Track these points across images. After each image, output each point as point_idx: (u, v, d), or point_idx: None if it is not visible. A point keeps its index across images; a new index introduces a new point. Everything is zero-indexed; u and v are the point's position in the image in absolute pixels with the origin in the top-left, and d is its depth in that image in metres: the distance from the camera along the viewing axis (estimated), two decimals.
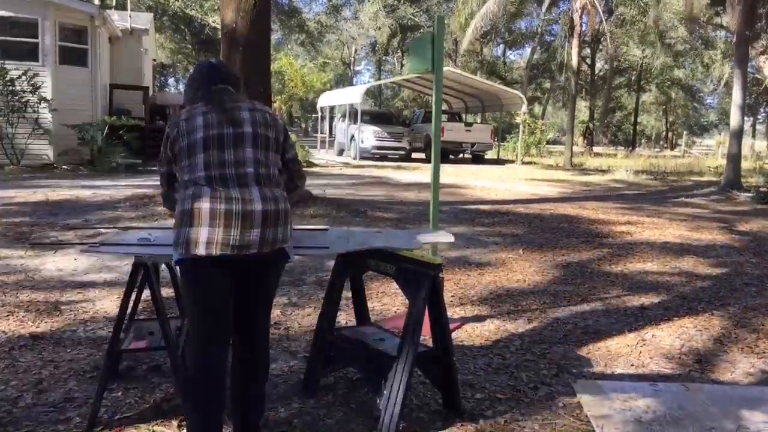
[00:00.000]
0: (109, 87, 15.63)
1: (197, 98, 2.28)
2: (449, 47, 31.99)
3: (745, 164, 17.34)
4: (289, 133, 2.54)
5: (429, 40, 3.76)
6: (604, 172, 18.86)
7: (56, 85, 12.75)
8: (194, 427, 2.19)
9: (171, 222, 2.26)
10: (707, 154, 34.45)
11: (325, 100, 25.38)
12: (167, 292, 3.40)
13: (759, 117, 51.49)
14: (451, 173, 15.95)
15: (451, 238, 3.07)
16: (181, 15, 32.37)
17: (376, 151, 20.88)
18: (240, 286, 2.24)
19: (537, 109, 40.80)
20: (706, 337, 3.98)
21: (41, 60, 12.66)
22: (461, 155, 23.26)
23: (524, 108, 22.98)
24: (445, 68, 16.42)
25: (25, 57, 12.62)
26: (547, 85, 43.74)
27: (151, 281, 2.63)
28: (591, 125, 37.45)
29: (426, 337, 2.81)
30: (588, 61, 35.91)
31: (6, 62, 12.16)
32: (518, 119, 23.06)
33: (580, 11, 22.11)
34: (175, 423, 2.59)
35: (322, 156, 21.97)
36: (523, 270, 5.57)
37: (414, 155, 22.23)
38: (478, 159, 22.43)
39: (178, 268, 2.23)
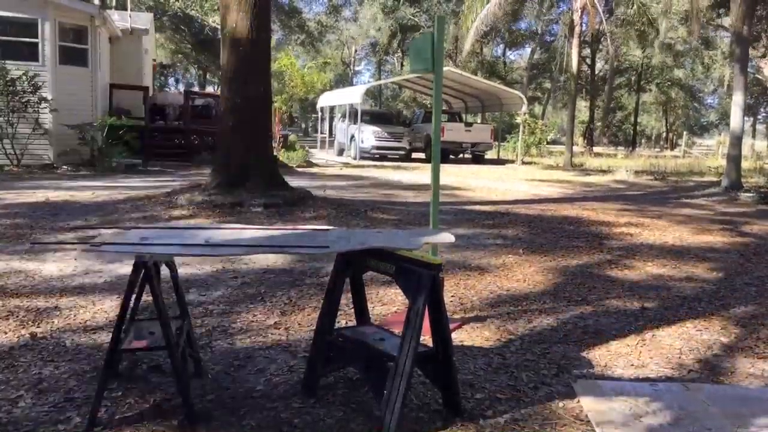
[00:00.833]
0: (109, 87, 15.64)
1: None
2: (449, 47, 31.98)
3: (745, 164, 17.34)
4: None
5: (429, 41, 3.75)
6: (605, 172, 18.86)
7: (56, 85, 12.76)
8: None
9: (172, 222, 2.25)
10: (707, 154, 34.44)
11: (325, 100, 25.39)
12: (167, 292, 3.40)
13: (759, 117, 51.51)
14: (451, 173, 15.96)
15: (452, 239, 3.07)
16: (181, 15, 32.38)
17: (375, 151, 20.90)
18: None
19: (537, 109, 40.82)
20: (706, 337, 3.98)
21: (41, 60, 12.67)
22: (461, 155, 23.28)
23: (524, 108, 22.99)
24: (445, 68, 16.43)
25: (25, 57, 12.63)
26: (547, 85, 43.77)
27: (152, 281, 2.63)
28: (591, 125, 37.45)
29: (426, 337, 2.81)
30: (588, 61, 35.92)
31: (6, 62, 12.18)
32: (518, 119, 23.08)
33: (580, 11, 22.12)
34: (175, 423, 2.59)
35: (322, 156, 21.99)
36: (524, 270, 5.57)
37: (414, 155, 22.24)
38: (478, 159, 22.45)
39: None
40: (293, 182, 9.59)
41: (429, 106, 27.74)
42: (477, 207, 9.60)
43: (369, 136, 20.70)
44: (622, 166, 19.82)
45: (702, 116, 54.21)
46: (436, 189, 3.89)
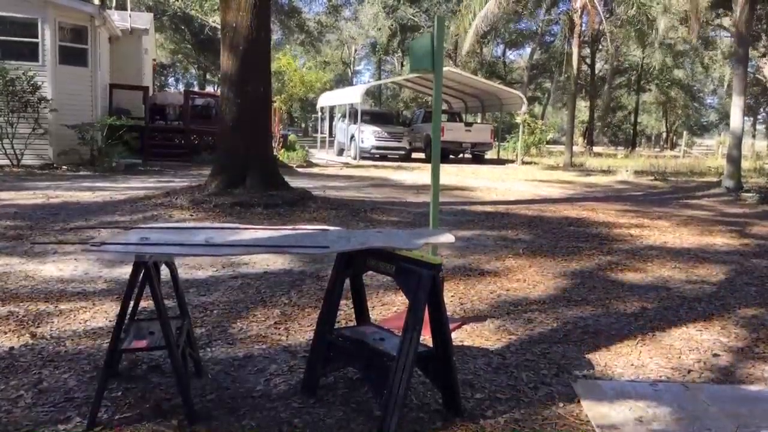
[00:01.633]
0: (109, 87, 15.64)
1: None
2: (449, 47, 31.99)
3: (745, 164, 17.36)
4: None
5: (429, 40, 3.75)
6: (606, 172, 18.85)
7: (56, 85, 12.77)
8: None
9: (173, 222, 2.24)
10: (707, 154, 34.45)
11: (325, 100, 25.40)
12: (168, 291, 3.40)
13: (759, 117, 51.52)
14: (451, 173, 15.96)
15: (452, 239, 3.07)
16: (181, 15, 32.37)
17: (375, 151, 20.90)
18: None
19: (537, 109, 40.82)
20: (706, 337, 3.98)
21: (41, 60, 12.67)
22: (461, 155, 23.28)
23: (524, 108, 22.99)
24: (445, 68, 16.42)
25: (25, 57, 12.63)
26: (547, 85, 43.77)
27: (152, 280, 2.63)
28: (591, 125, 37.45)
29: (426, 337, 2.81)
30: (588, 61, 35.91)
31: (6, 62, 12.18)
32: (518, 119, 23.08)
33: (580, 11, 22.12)
34: (175, 423, 2.59)
35: (322, 156, 21.99)
36: (524, 270, 5.57)
37: (414, 155, 22.24)
38: (478, 159, 22.45)
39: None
40: (293, 182, 9.60)
41: (429, 105, 27.74)
42: (477, 207, 9.60)
43: (369, 136, 20.71)
44: (623, 166, 19.82)
45: (702, 116, 54.21)
46: (436, 189, 3.89)
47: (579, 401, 2.94)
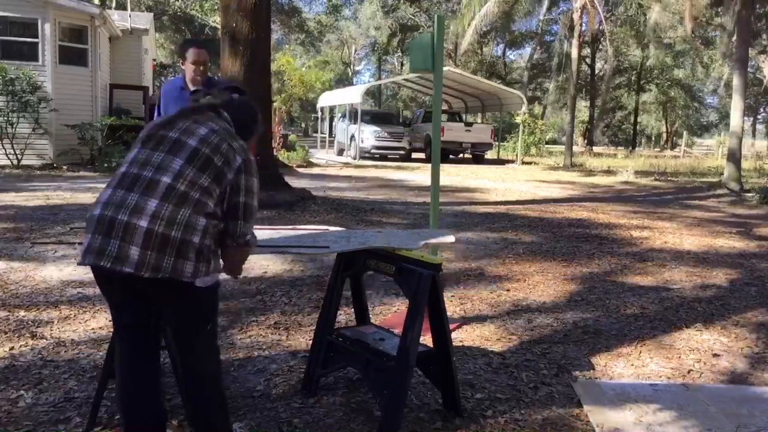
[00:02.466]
0: (109, 87, 15.64)
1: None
2: (449, 47, 32.00)
3: (745, 164, 17.36)
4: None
5: (429, 40, 3.75)
6: (608, 173, 18.83)
7: (56, 85, 12.76)
8: None
9: None
10: (707, 154, 34.45)
11: (325, 100, 25.39)
12: None
13: (759, 117, 51.53)
14: (451, 173, 15.96)
15: (452, 239, 3.07)
16: (181, 15, 32.37)
17: (375, 151, 20.90)
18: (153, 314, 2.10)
19: (537, 109, 40.80)
20: (706, 337, 3.98)
21: (41, 60, 12.67)
22: (461, 155, 23.28)
23: (524, 108, 22.98)
24: (445, 68, 16.43)
25: (25, 57, 12.63)
26: (548, 85, 43.75)
27: None
28: (591, 125, 37.44)
29: (426, 337, 2.81)
30: (588, 60, 35.91)
31: (6, 62, 12.17)
32: (518, 119, 23.08)
33: (580, 11, 22.11)
34: (175, 423, 2.59)
35: (322, 156, 21.99)
36: (524, 271, 5.57)
37: (414, 155, 22.24)
38: (478, 159, 22.45)
39: None
40: (293, 182, 9.59)
41: (429, 105, 27.74)
42: (477, 208, 9.60)
43: (369, 136, 20.70)
44: (624, 167, 19.82)
45: (702, 116, 54.20)
46: (436, 189, 3.89)
47: (579, 401, 2.94)
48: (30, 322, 3.76)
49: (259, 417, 2.67)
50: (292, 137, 22.53)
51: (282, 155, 16.68)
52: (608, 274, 5.60)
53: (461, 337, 3.76)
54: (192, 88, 3.79)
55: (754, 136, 47.65)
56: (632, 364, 3.46)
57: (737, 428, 2.71)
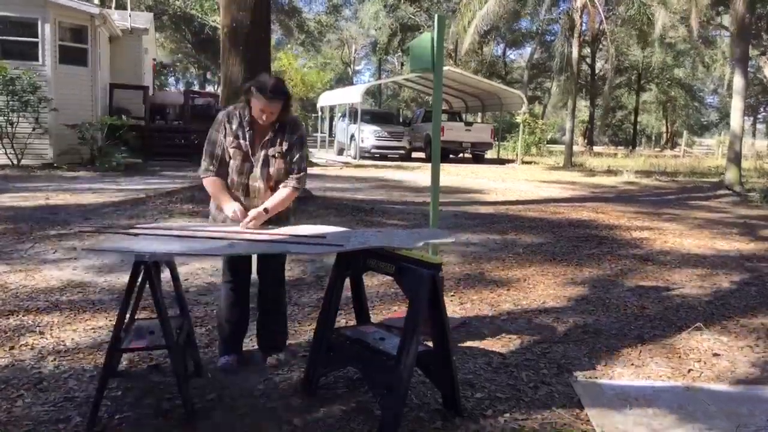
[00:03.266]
0: (109, 87, 15.64)
1: None
2: (449, 47, 31.99)
3: (745, 164, 17.35)
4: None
5: (429, 40, 3.75)
6: (609, 172, 18.80)
7: (56, 85, 12.76)
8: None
9: (172, 222, 2.24)
10: (707, 154, 34.44)
11: (325, 100, 25.39)
12: (168, 291, 3.40)
13: (759, 117, 51.55)
14: (451, 173, 15.96)
15: (451, 239, 3.07)
16: (181, 14, 32.36)
17: (375, 150, 20.89)
18: None
19: (537, 108, 40.78)
20: (706, 336, 3.98)
21: (41, 60, 12.67)
22: (461, 155, 23.28)
23: (524, 108, 22.97)
24: (445, 68, 16.42)
25: (25, 56, 12.63)
26: (548, 84, 43.73)
27: (152, 280, 2.63)
28: (591, 125, 37.42)
29: (426, 337, 2.81)
30: (588, 60, 35.90)
31: (6, 62, 12.17)
32: (518, 119, 23.07)
33: (580, 11, 22.10)
34: (175, 422, 2.59)
35: (322, 156, 21.98)
36: (524, 271, 5.57)
37: (414, 155, 22.23)
38: (478, 158, 22.44)
39: None
40: None
41: (429, 105, 27.73)
42: (477, 208, 9.60)
43: (369, 135, 20.69)
44: (624, 166, 19.80)
45: (702, 116, 54.18)
46: (435, 189, 3.89)
47: (579, 401, 2.94)
48: (30, 322, 3.76)
49: (259, 416, 2.67)
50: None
51: None
52: (608, 274, 5.60)
53: (461, 337, 3.76)
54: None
55: (754, 135, 47.67)
56: (632, 364, 3.46)
57: (737, 428, 2.71)
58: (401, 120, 25.92)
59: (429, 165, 4.14)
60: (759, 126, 55.49)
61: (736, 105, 14.13)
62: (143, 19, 18.45)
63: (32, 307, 4.03)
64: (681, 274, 5.68)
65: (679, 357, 3.61)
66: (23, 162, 12.43)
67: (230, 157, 3.04)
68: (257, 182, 3.05)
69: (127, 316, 2.77)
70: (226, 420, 2.64)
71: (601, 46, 35.16)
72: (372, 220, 7.80)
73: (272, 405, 2.78)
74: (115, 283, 4.62)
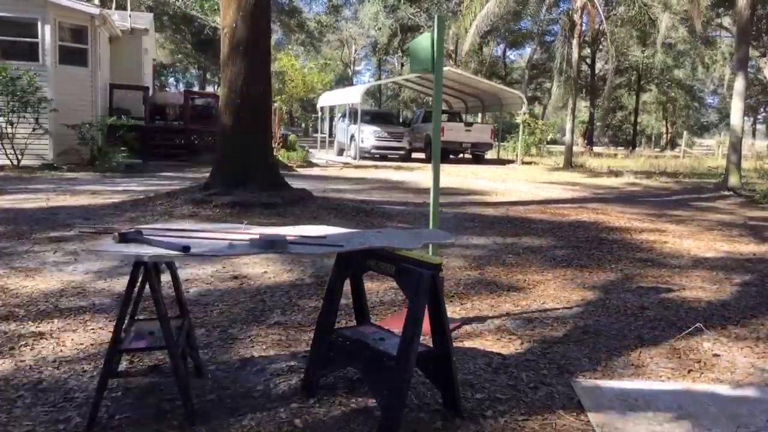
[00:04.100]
0: (109, 87, 15.64)
1: None
2: (449, 47, 31.99)
3: (745, 164, 17.35)
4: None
5: (429, 41, 3.75)
6: (610, 173, 18.79)
7: (56, 85, 12.77)
8: None
9: (172, 222, 2.24)
10: (707, 154, 34.44)
11: (325, 100, 25.39)
12: (167, 292, 3.40)
13: (759, 117, 51.57)
14: (451, 173, 15.95)
15: (451, 239, 3.07)
16: (181, 15, 32.37)
17: (375, 151, 20.89)
18: None
19: (537, 109, 40.81)
20: (706, 336, 3.98)
21: (41, 60, 12.68)
22: (461, 155, 23.28)
23: (524, 108, 22.97)
24: (445, 68, 16.43)
25: (25, 57, 12.64)
26: (548, 85, 43.73)
27: (152, 281, 2.63)
28: (591, 125, 37.42)
29: (426, 337, 2.81)
30: (588, 61, 35.90)
31: (6, 62, 12.18)
32: (518, 119, 23.07)
33: (580, 11, 22.11)
34: (175, 423, 2.59)
35: (322, 156, 21.98)
36: (524, 271, 5.57)
37: (414, 155, 22.23)
38: (478, 159, 22.45)
39: None
40: (293, 182, 9.59)
41: (429, 105, 27.75)
42: (478, 208, 9.60)
43: (369, 135, 20.69)
44: (624, 167, 19.80)
45: (702, 116, 54.21)
46: (436, 190, 3.89)
47: (579, 402, 2.94)
48: (30, 323, 3.76)
49: (259, 417, 2.67)
50: (291, 137, 22.51)
51: (282, 155, 16.68)
52: (608, 275, 5.59)
53: (461, 337, 3.75)
54: None
55: (754, 136, 47.69)
56: (632, 365, 3.46)
57: (737, 429, 2.71)
58: (401, 120, 25.92)
59: (429, 165, 4.14)
60: (759, 126, 55.50)
61: (737, 106, 14.15)
62: (143, 20, 18.46)
63: (32, 308, 4.03)
64: (681, 275, 5.68)
65: (679, 358, 3.60)
66: (23, 162, 12.43)
67: None
68: None
69: (127, 316, 2.77)
70: (225, 421, 2.64)
71: (601, 47, 35.18)
72: (372, 220, 7.80)
73: (272, 405, 2.78)
74: (115, 284, 4.62)
